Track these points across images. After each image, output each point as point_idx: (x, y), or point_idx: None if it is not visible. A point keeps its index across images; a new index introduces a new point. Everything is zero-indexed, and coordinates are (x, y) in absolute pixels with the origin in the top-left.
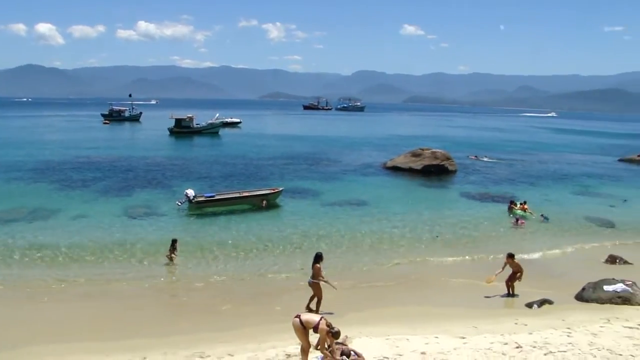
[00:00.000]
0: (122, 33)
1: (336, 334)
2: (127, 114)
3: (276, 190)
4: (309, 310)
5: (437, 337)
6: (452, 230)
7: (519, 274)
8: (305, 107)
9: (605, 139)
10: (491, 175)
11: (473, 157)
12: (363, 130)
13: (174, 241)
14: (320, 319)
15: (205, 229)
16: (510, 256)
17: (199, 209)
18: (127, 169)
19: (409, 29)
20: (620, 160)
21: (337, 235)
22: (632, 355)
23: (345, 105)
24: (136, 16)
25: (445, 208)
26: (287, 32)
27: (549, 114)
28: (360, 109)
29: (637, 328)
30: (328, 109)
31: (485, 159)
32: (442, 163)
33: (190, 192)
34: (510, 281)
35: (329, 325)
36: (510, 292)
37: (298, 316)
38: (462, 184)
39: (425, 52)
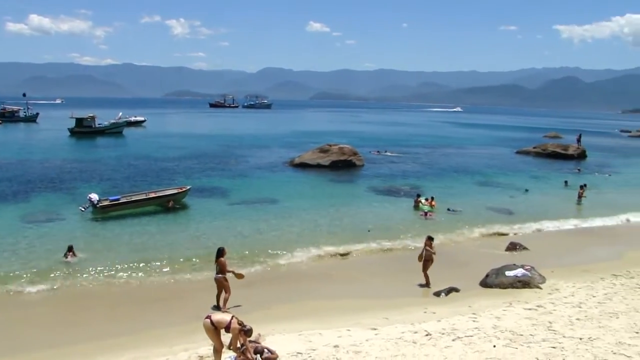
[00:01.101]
0: (12, 27)
1: (248, 332)
2: (22, 114)
3: (183, 190)
4: (219, 307)
5: (349, 330)
6: (361, 224)
7: (430, 262)
8: (212, 105)
9: (504, 132)
10: (398, 169)
11: (375, 152)
12: (270, 128)
13: (70, 247)
14: (232, 318)
15: (110, 233)
16: (430, 239)
17: (104, 213)
18: (22, 173)
19: (315, 26)
20: (517, 152)
21: (244, 232)
22: (531, 335)
23: (252, 103)
24: (27, 9)
25: (353, 202)
26: (191, 28)
27: (455, 109)
28: (267, 106)
29: (536, 309)
30: (235, 107)
31: (388, 154)
32: (350, 158)
33: (94, 197)
34: (426, 269)
35: (240, 323)
36: (427, 281)
37: (209, 317)
38: (370, 178)
39: (332, 49)
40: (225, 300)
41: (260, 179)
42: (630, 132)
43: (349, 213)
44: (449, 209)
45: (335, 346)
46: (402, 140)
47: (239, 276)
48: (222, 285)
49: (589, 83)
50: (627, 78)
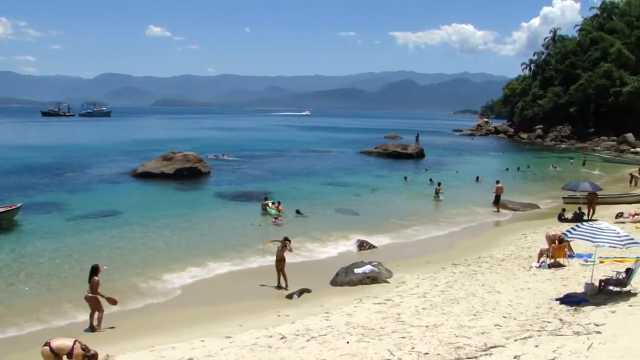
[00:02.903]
0: None
1: (92, 357)
2: None
3: (12, 208)
4: (92, 327)
5: (203, 341)
6: (210, 231)
7: (282, 261)
8: (45, 114)
9: (347, 134)
10: (245, 175)
11: (213, 157)
12: (111, 137)
13: None
14: (75, 343)
15: None
16: (286, 239)
17: None
18: None
19: (155, 30)
20: (360, 153)
21: (84, 250)
22: (382, 327)
23: (89, 111)
24: None
25: (202, 210)
26: (15, 29)
27: (304, 113)
28: (107, 114)
29: (385, 303)
30: (71, 115)
31: (226, 157)
32: (195, 165)
33: None
34: (279, 269)
35: (84, 348)
36: (284, 282)
37: (48, 343)
38: (217, 185)
39: (173, 54)
40: (100, 319)
41: (102, 192)
42: (461, 131)
43: (196, 222)
44: (297, 212)
45: (190, 359)
46: (248, 145)
47: (111, 301)
48: (93, 305)
49: (423, 86)
50: (456, 81)
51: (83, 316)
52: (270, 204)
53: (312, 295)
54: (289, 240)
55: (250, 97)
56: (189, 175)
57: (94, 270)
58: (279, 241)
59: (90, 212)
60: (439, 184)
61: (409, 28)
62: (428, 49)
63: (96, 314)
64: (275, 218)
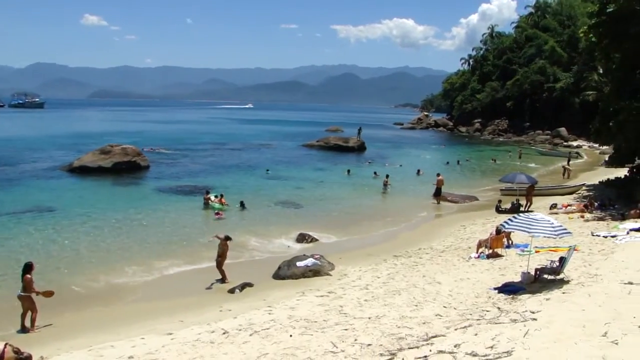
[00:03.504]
0: None
1: None
2: None
3: None
4: (24, 328)
5: (143, 338)
6: (151, 227)
7: (223, 257)
8: None
9: (289, 127)
10: (186, 168)
11: (149, 149)
12: (44, 129)
13: None
14: (5, 347)
15: None
16: (227, 239)
17: None
18: None
19: (91, 19)
20: (302, 146)
21: (15, 248)
22: (325, 320)
23: (20, 102)
24: None
25: (142, 205)
26: None
27: (247, 105)
28: (39, 105)
29: (328, 295)
30: (0, 106)
31: (163, 151)
32: (134, 159)
33: None
34: (220, 266)
35: (16, 351)
36: (223, 277)
37: None
38: (157, 180)
39: (110, 44)
40: (33, 320)
41: (34, 187)
42: (402, 124)
43: (135, 218)
44: (242, 204)
45: (130, 357)
46: (188, 138)
47: (47, 294)
48: (26, 305)
49: (365, 80)
50: (397, 75)
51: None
52: (212, 198)
53: (254, 289)
54: (230, 239)
55: (191, 89)
56: (128, 169)
57: (28, 268)
58: (220, 237)
59: (22, 209)
60: (387, 176)
61: (350, 21)
62: (369, 43)
63: (29, 314)
64: (218, 212)
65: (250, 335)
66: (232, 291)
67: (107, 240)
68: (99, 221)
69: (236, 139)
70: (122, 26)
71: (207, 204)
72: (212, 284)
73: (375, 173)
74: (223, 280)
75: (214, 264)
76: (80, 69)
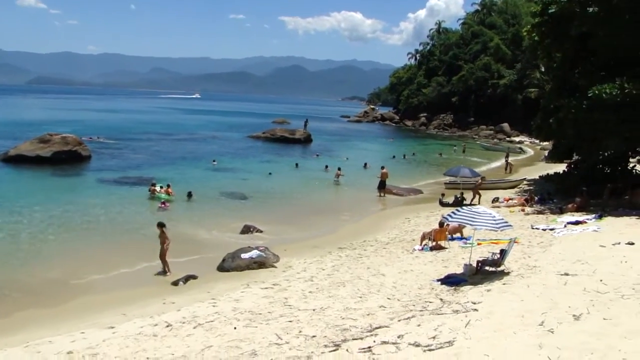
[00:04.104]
0: None
1: None
2: None
3: None
4: None
5: (83, 333)
6: (93, 219)
7: (166, 245)
8: None
9: (236, 118)
10: (129, 159)
11: (88, 139)
12: None
13: None
14: None
15: None
16: (161, 225)
17: None
18: None
19: (28, 1)
20: (248, 137)
21: None
22: (269, 312)
23: None
24: None
25: (83, 197)
26: None
27: (194, 95)
28: None
29: (272, 287)
30: None
31: (102, 140)
32: (75, 149)
33: None
34: (163, 256)
35: None
36: (166, 267)
37: None
38: (99, 170)
39: (51, 28)
40: None
41: None
42: (349, 117)
43: (77, 210)
44: (189, 195)
45: (69, 352)
46: (132, 127)
47: None
48: None
49: (312, 72)
50: (345, 68)
51: None
52: (158, 188)
53: (198, 281)
54: (164, 225)
55: (135, 77)
56: (68, 159)
57: None
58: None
59: None
60: (339, 168)
61: (298, 13)
62: (318, 35)
63: None
64: (163, 203)
65: (194, 328)
66: (175, 284)
67: (46, 234)
68: (38, 214)
69: (182, 130)
70: (62, 10)
71: (153, 195)
72: (155, 276)
73: (326, 167)
74: (165, 271)
75: (157, 255)
76: (18, 53)
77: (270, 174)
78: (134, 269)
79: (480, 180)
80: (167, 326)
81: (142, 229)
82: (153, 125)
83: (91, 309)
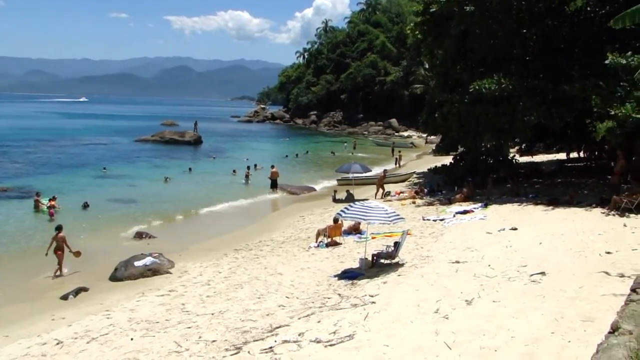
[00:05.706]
0: None
1: None
2: None
3: None
4: None
5: None
6: None
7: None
8: None
9: (122, 121)
10: (5, 168)
11: None
12: None
13: None
14: None
15: None
16: (58, 229)
17: None
18: None
19: None
20: (136, 141)
21: None
22: (167, 320)
23: None
24: None
25: None
26: None
27: (80, 99)
28: None
29: (169, 294)
30: None
31: None
32: None
33: None
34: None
35: None
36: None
37: None
38: None
39: None
40: None
41: None
42: (239, 117)
43: None
44: (85, 205)
45: None
46: (8, 134)
47: None
48: None
49: (200, 72)
50: (233, 68)
51: None
52: (43, 201)
53: (89, 293)
54: (60, 229)
55: (10, 80)
56: None
57: None
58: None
59: None
60: (248, 167)
61: (184, 12)
62: (205, 35)
63: None
64: (50, 210)
65: (88, 342)
66: (65, 297)
67: None
68: None
69: (65, 135)
70: None
71: (37, 208)
72: (41, 290)
73: (234, 171)
74: (56, 272)
75: (46, 272)
76: None
77: (167, 178)
78: (18, 284)
79: (383, 174)
80: (58, 344)
81: (29, 241)
82: (33, 130)
83: None
